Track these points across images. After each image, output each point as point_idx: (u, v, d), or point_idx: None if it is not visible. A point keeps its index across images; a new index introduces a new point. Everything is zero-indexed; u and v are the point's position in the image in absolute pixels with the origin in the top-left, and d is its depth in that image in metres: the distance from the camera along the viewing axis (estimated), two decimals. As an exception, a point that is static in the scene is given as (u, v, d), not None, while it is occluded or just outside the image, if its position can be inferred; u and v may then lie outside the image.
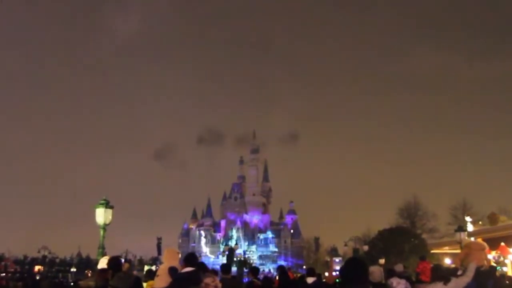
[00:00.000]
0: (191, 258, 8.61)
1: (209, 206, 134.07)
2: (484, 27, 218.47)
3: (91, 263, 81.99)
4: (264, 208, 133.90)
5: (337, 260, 63.32)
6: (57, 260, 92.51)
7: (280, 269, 15.96)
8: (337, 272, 35.00)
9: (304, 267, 77.94)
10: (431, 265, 10.25)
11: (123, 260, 11.44)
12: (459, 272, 7.97)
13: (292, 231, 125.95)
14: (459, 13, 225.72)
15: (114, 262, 9.21)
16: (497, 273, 13.68)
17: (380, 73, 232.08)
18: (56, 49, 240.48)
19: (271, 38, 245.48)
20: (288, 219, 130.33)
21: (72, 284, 34.99)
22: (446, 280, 7.60)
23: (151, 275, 12.48)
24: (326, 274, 30.43)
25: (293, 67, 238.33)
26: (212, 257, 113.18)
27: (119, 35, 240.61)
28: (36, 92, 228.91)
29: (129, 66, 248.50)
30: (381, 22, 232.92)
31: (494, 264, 24.73)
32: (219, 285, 9.38)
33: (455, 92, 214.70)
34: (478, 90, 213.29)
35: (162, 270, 8.23)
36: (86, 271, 70.67)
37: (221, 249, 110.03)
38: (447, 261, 38.03)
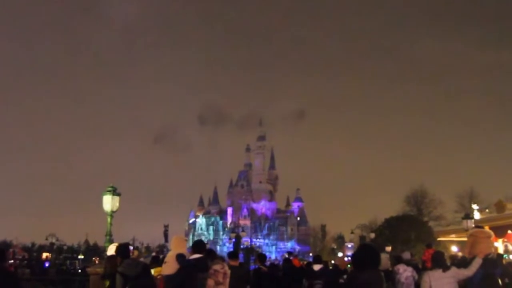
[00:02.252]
0: (199, 245, 8.65)
1: (215, 194, 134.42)
2: (492, 16, 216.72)
3: (98, 250, 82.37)
4: (271, 196, 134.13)
5: (349, 245, 63.60)
6: (65, 247, 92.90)
7: (288, 254, 16.09)
8: (349, 258, 35.06)
9: (311, 254, 78.12)
10: (432, 252, 10.25)
11: (131, 248, 11.53)
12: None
13: (298, 218, 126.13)
14: (468, 2, 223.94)
15: (122, 249, 9.27)
16: (504, 261, 13.66)
17: (387, 61, 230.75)
18: (55, 36, 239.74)
19: (274, 24, 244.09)
20: (294, 206, 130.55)
21: (79, 271, 35.27)
22: (445, 268, 7.62)
23: (156, 261, 12.55)
24: (332, 261, 30.46)
25: (298, 53, 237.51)
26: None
27: (119, 18, 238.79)
28: (40, 80, 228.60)
29: (130, 51, 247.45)
30: (388, 10, 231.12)
31: (501, 252, 24.77)
32: (228, 271, 9.43)
33: (463, 81, 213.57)
34: (486, 79, 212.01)
35: (170, 257, 8.28)
36: (93, 258, 71.04)
37: (228, 237, 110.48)
38: (454, 248, 38.02)
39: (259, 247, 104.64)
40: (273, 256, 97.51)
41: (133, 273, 8.41)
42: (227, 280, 9.24)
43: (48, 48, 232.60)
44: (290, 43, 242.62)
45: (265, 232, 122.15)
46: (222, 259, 11.09)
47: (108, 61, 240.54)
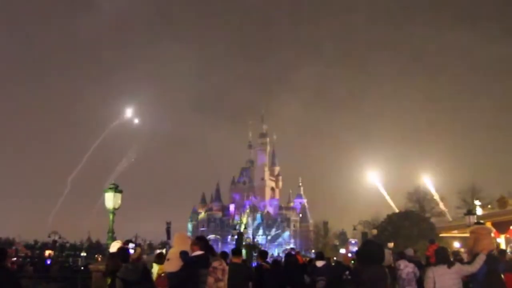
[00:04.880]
0: (200, 241, 8.65)
1: (218, 191, 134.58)
2: (497, 10, 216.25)
3: (101, 248, 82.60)
4: (273, 193, 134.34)
5: (353, 241, 63.81)
6: (67, 245, 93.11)
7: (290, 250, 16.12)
8: (352, 254, 35.16)
9: (313, 251, 78.18)
10: (435, 248, 10.28)
11: (134, 245, 11.59)
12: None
13: (300, 215, 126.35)
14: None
15: (121, 253, 9.36)
16: (507, 257, 13.68)
17: (390, 55, 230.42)
18: (48, 27, 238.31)
19: (277, 17, 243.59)
20: (296, 203, 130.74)
21: (82, 268, 35.33)
22: (450, 264, 7.62)
23: (160, 258, 12.59)
24: (335, 258, 30.53)
25: (300, 47, 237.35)
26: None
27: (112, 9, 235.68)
28: (34, 74, 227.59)
29: (124, 43, 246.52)
30: (393, 3, 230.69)
31: (504, 248, 24.76)
32: (226, 268, 9.47)
33: (466, 76, 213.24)
34: (489, 74, 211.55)
35: (173, 254, 8.27)
36: (96, 256, 71.18)
37: (230, 233, 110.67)
38: (456, 244, 38.05)
39: (261, 243, 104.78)
40: (275, 253, 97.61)
41: (133, 278, 8.43)
42: (226, 276, 9.28)
43: (41, 39, 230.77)
44: (293, 37, 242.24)
45: (267, 228, 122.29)
46: (223, 255, 11.10)
47: (101, 54, 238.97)
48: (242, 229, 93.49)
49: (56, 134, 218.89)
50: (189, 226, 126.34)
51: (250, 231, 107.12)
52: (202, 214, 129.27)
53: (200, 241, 8.69)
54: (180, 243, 8.52)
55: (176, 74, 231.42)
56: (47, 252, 60.78)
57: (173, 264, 8.13)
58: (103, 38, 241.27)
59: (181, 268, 7.94)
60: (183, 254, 7.98)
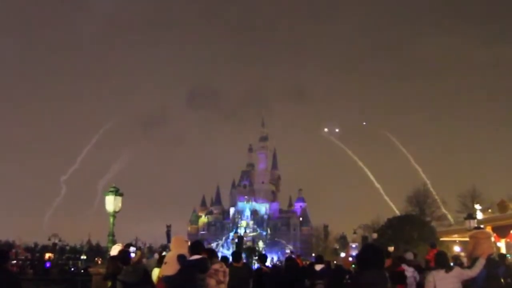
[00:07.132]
0: (197, 246, 8.64)
1: (218, 194, 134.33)
2: (493, 13, 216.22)
3: (101, 251, 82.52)
4: (273, 196, 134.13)
5: (353, 245, 63.80)
6: (67, 248, 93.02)
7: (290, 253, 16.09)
8: (353, 258, 35.12)
9: (313, 254, 78.24)
10: (435, 252, 10.29)
11: (134, 249, 11.58)
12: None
13: (301, 218, 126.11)
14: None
15: (122, 255, 9.37)
16: (507, 261, 13.67)
17: (388, 58, 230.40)
18: (47, 27, 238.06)
19: (275, 21, 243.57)
20: (297, 206, 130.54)
21: (82, 271, 35.34)
22: (448, 268, 7.62)
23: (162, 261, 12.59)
24: (335, 261, 30.42)
25: (300, 49, 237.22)
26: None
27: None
28: (31, 78, 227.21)
29: (121, 44, 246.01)
30: (390, 7, 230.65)
31: (504, 252, 24.74)
32: (227, 270, 9.49)
33: (466, 78, 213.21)
34: (489, 75, 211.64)
35: (170, 257, 8.25)
36: (96, 259, 71.12)
37: (231, 237, 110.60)
38: (457, 248, 37.98)
39: (261, 247, 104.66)
40: (275, 258, 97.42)
41: (133, 280, 8.43)
42: (227, 278, 9.30)
43: (36, 39, 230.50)
44: (292, 40, 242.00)
45: (267, 232, 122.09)
46: (223, 260, 11.09)
47: (101, 57, 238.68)
48: (242, 233, 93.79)
49: (56, 135, 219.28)
50: (189, 229, 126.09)
51: (250, 235, 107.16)
52: (202, 217, 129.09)
53: (196, 245, 8.68)
54: (177, 247, 8.48)
55: (176, 75, 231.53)
56: (47, 255, 60.77)
57: (170, 267, 8.11)
58: (102, 37, 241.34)
59: (178, 272, 7.92)
60: (181, 258, 7.96)
